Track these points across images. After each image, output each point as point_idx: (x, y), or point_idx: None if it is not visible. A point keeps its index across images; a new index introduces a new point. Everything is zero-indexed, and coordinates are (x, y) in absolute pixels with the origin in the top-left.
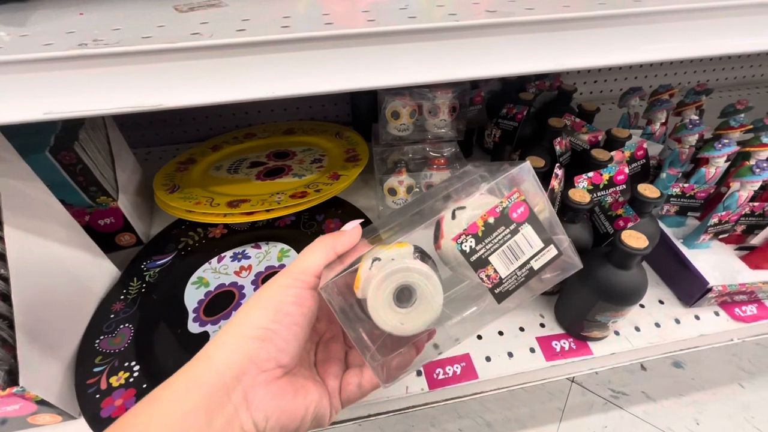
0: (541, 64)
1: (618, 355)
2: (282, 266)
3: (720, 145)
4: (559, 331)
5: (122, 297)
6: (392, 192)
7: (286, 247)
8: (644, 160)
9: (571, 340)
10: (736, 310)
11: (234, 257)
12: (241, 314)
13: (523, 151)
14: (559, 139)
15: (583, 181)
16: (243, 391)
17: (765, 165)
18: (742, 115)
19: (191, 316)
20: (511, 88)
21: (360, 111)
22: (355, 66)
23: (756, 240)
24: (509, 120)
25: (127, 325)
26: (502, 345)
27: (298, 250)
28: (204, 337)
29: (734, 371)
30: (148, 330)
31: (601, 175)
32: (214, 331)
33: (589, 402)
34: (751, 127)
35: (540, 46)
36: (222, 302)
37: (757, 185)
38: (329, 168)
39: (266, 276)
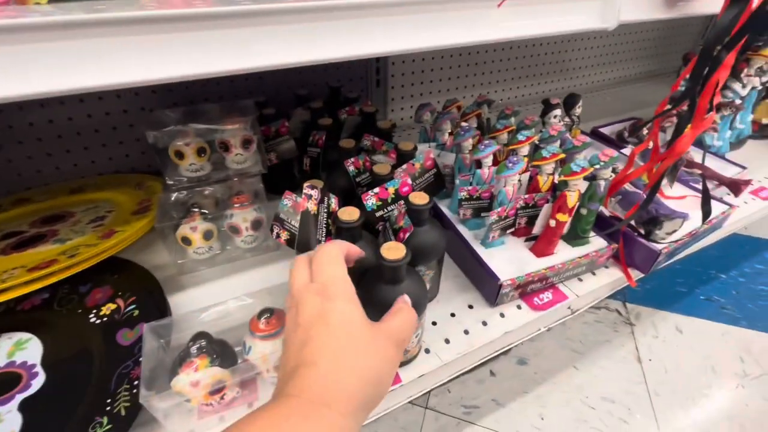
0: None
1: (428, 376)
2: (12, 363)
3: (483, 146)
4: None
5: None
6: (186, 241)
7: (25, 336)
8: (435, 170)
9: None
10: (535, 299)
11: None
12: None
13: (328, 176)
14: (352, 159)
15: (370, 198)
16: None
17: (515, 159)
18: (512, 119)
19: None
20: (319, 116)
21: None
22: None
23: (536, 229)
24: (314, 147)
25: None
26: None
27: (45, 336)
28: None
29: (568, 355)
30: None
31: (387, 189)
32: None
33: (443, 426)
34: (514, 128)
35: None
36: None
37: (515, 178)
38: (109, 225)
39: None
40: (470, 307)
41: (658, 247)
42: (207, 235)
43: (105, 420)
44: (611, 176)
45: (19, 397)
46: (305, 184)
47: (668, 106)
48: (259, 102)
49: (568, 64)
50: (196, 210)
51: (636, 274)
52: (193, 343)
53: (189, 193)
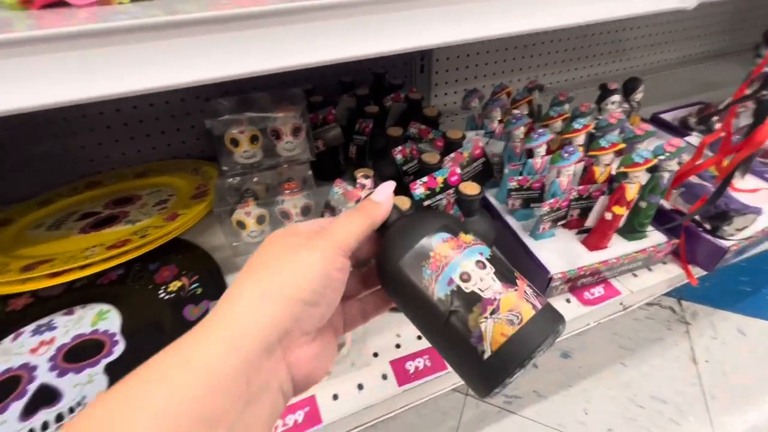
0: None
1: None
2: (95, 331)
3: (536, 135)
4: (416, 348)
5: None
6: (241, 225)
7: (106, 307)
8: (484, 158)
9: (427, 357)
10: (585, 293)
11: (36, 331)
12: (289, 275)
13: (375, 164)
14: (400, 147)
15: (419, 187)
16: (283, 352)
17: (571, 149)
18: (566, 106)
19: None
20: (365, 103)
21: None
22: None
23: (589, 222)
24: (360, 135)
25: None
26: (353, 377)
27: (123, 308)
28: None
29: (616, 351)
30: None
31: (435, 178)
32: None
33: (483, 413)
34: (569, 115)
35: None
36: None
37: (570, 169)
38: (172, 208)
39: (71, 348)
40: None
41: (726, 244)
42: (260, 220)
43: None
44: (676, 168)
45: (104, 362)
46: (359, 174)
47: (748, 91)
48: (307, 90)
49: (624, 44)
50: (250, 195)
51: (697, 272)
52: None
53: (242, 179)
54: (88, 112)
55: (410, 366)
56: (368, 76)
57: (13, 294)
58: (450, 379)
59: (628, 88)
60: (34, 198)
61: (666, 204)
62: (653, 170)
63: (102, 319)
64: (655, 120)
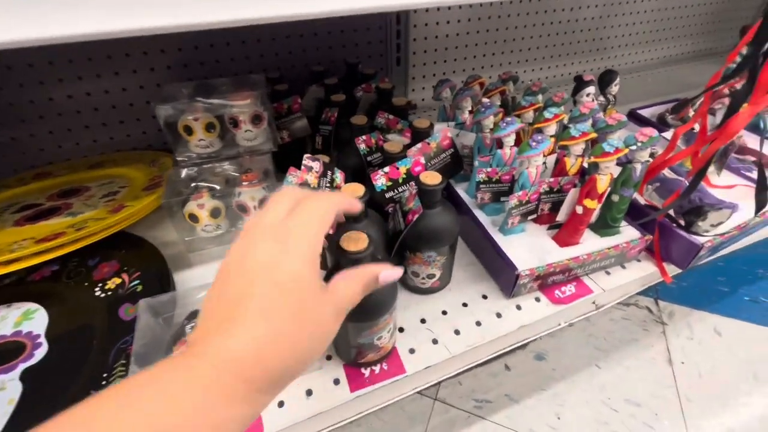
0: None
1: (434, 368)
2: (18, 333)
3: (504, 124)
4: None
5: None
6: (194, 218)
7: (34, 306)
8: (452, 150)
9: (385, 360)
10: (556, 292)
11: None
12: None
13: (339, 155)
14: (364, 137)
15: (380, 177)
16: None
17: (539, 138)
18: (540, 96)
19: None
20: (334, 93)
21: None
22: None
23: (560, 216)
24: (325, 125)
25: None
26: (304, 383)
27: (52, 308)
28: None
29: (591, 352)
30: None
31: (398, 168)
32: None
33: (452, 419)
34: (541, 105)
35: None
36: None
37: (539, 159)
38: (120, 200)
39: None
40: (484, 297)
41: (700, 240)
42: (214, 213)
43: None
44: (649, 160)
45: (22, 366)
46: (306, 156)
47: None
48: (273, 78)
49: (605, 42)
50: (204, 187)
51: (672, 270)
52: (188, 321)
53: (199, 169)
54: (36, 97)
55: (365, 370)
56: (341, 67)
57: None
58: (411, 382)
59: (604, 80)
60: None
61: (640, 199)
62: (625, 162)
63: (27, 319)
64: (633, 115)
